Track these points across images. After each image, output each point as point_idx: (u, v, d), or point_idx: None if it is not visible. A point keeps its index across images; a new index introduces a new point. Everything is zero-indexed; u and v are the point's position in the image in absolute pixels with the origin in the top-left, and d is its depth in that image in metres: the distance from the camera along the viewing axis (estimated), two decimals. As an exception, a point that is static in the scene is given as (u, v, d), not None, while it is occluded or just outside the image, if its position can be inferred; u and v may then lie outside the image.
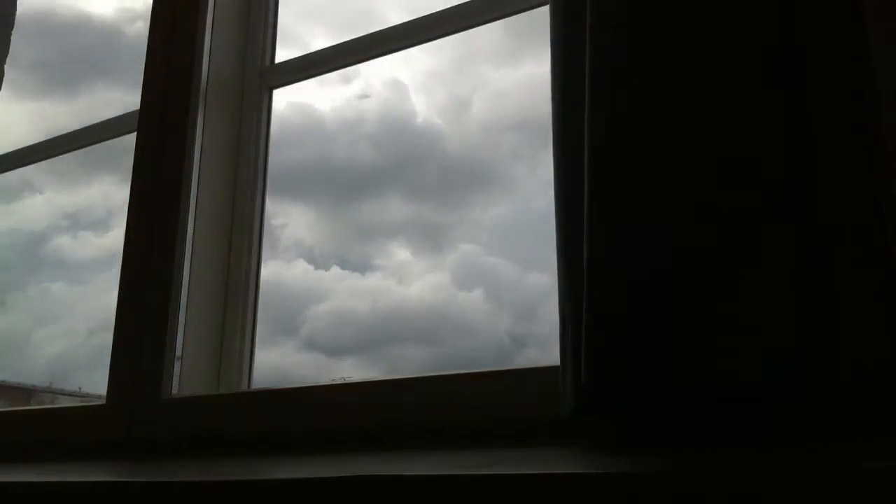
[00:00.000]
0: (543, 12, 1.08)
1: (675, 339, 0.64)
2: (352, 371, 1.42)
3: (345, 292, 1.53)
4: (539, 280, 1.26)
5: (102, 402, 1.25)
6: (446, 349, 1.45)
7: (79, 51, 2.14)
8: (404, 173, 1.53)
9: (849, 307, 0.65)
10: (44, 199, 2.17)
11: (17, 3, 1.78)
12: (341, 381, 1.16)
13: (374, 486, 0.64)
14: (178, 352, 1.20)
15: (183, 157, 1.28)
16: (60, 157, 1.68)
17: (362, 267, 1.53)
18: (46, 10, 2.15)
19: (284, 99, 1.43)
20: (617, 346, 0.65)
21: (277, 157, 1.37)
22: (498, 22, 1.23)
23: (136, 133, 1.37)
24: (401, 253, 1.53)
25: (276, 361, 1.39)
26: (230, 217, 1.32)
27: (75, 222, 2.10)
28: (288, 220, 1.54)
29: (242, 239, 1.30)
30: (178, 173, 1.27)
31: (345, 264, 1.55)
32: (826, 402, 0.65)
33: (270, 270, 1.35)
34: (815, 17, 0.72)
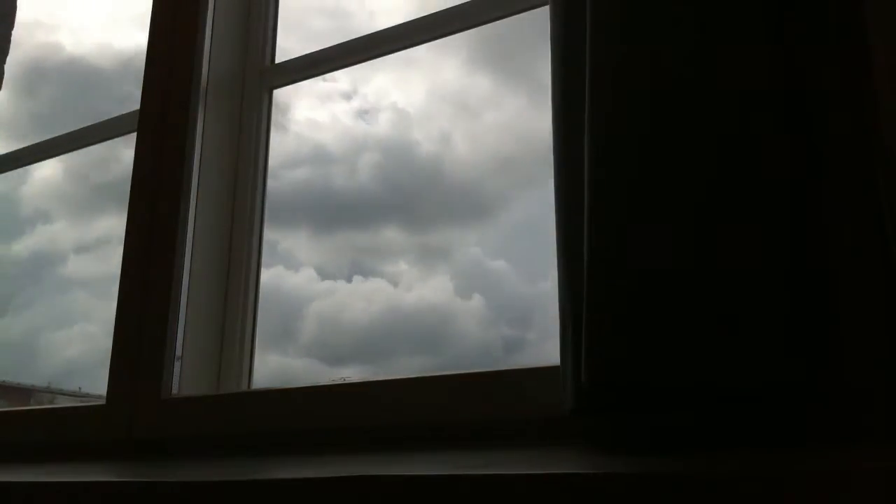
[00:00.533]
0: (543, 12, 1.09)
1: (675, 339, 0.64)
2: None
3: (342, 299, 1.54)
4: (538, 289, 1.28)
5: (102, 402, 1.25)
6: (444, 358, 1.47)
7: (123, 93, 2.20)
8: (404, 197, 1.55)
9: (849, 307, 0.65)
10: (65, 226, 2.25)
11: (61, 47, 1.79)
12: (341, 382, 1.16)
13: (374, 486, 0.64)
14: (178, 352, 1.20)
15: (183, 157, 1.28)
16: (78, 194, 1.71)
17: (361, 274, 1.54)
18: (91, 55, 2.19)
19: (283, 130, 1.45)
20: (617, 347, 0.65)
21: (276, 182, 1.39)
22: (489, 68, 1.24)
23: (136, 133, 1.37)
24: (400, 264, 1.54)
25: (272, 368, 1.40)
26: (230, 217, 1.31)
27: (96, 245, 2.15)
28: (292, 246, 1.55)
29: (242, 239, 1.30)
30: (178, 173, 1.27)
31: (343, 272, 1.57)
32: (826, 402, 0.65)
33: (270, 274, 1.36)
34: (816, 18, 0.72)
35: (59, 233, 2.25)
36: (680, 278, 0.65)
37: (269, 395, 1.11)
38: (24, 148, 1.74)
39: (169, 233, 1.25)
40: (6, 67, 1.74)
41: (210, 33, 1.35)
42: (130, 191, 1.32)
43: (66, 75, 2.26)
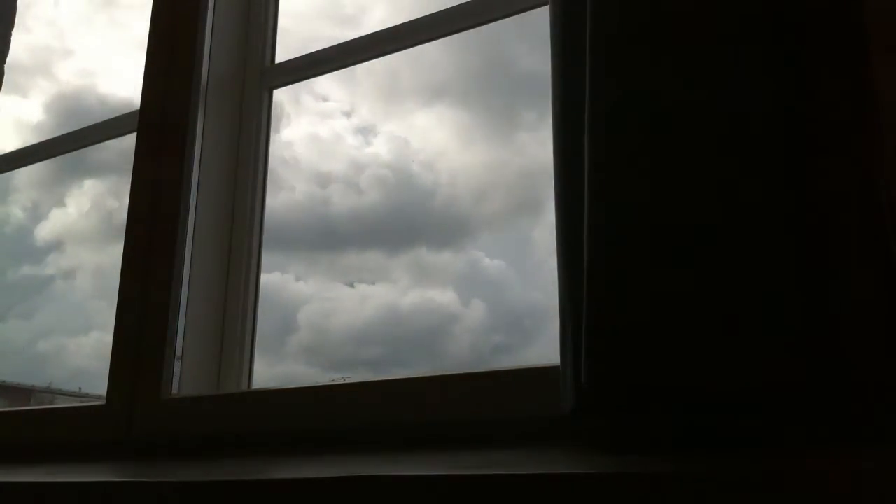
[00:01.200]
0: (543, 13, 1.09)
1: (675, 339, 0.64)
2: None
3: (338, 303, 1.54)
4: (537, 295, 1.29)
5: (102, 402, 1.25)
6: (442, 363, 1.47)
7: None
8: (403, 215, 1.56)
9: (849, 307, 0.65)
10: (80, 251, 2.33)
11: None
12: (341, 381, 1.16)
13: (374, 486, 0.64)
14: (178, 352, 1.20)
15: (183, 157, 1.28)
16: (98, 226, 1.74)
17: (359, 280, 1.55)
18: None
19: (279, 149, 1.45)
20: (617, 348, 0.65)
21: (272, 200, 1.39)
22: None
23: (136, 133, 1.37)
24: (398, 270, 1.55)
25: (277, 372, 1.41)
26: (230, 217, 1.32)
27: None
28: (288, 268, 1.56)
29: (242, 239, 1.30)
30: (178, 173, 1.27)
31: (340, 277, 1.57)
32: (826, 402, 0.65)
33: (270, 278, 1.36)
34: (818, 20, 0.72)
35: (81, 256, 2.32)
36: (680, 279, 0.65)
37: (269, 395, 1.11)
38: (24, 147, 1.74)
39: (169, 233, 1.25)
40: (6, 67, 1.74)
41: (210, 33, 1.35)
42: (131, 190, 1.32)
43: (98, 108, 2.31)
